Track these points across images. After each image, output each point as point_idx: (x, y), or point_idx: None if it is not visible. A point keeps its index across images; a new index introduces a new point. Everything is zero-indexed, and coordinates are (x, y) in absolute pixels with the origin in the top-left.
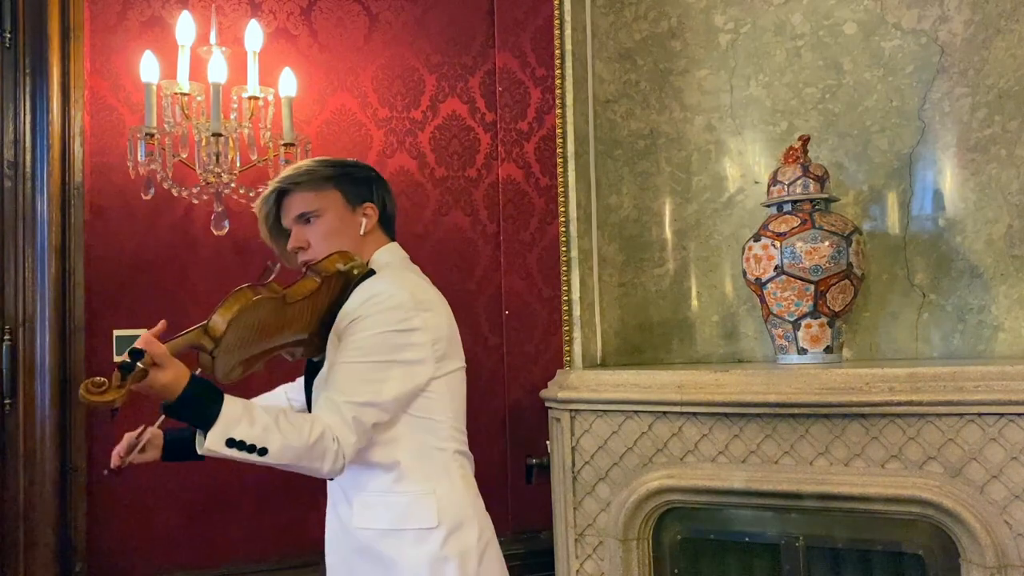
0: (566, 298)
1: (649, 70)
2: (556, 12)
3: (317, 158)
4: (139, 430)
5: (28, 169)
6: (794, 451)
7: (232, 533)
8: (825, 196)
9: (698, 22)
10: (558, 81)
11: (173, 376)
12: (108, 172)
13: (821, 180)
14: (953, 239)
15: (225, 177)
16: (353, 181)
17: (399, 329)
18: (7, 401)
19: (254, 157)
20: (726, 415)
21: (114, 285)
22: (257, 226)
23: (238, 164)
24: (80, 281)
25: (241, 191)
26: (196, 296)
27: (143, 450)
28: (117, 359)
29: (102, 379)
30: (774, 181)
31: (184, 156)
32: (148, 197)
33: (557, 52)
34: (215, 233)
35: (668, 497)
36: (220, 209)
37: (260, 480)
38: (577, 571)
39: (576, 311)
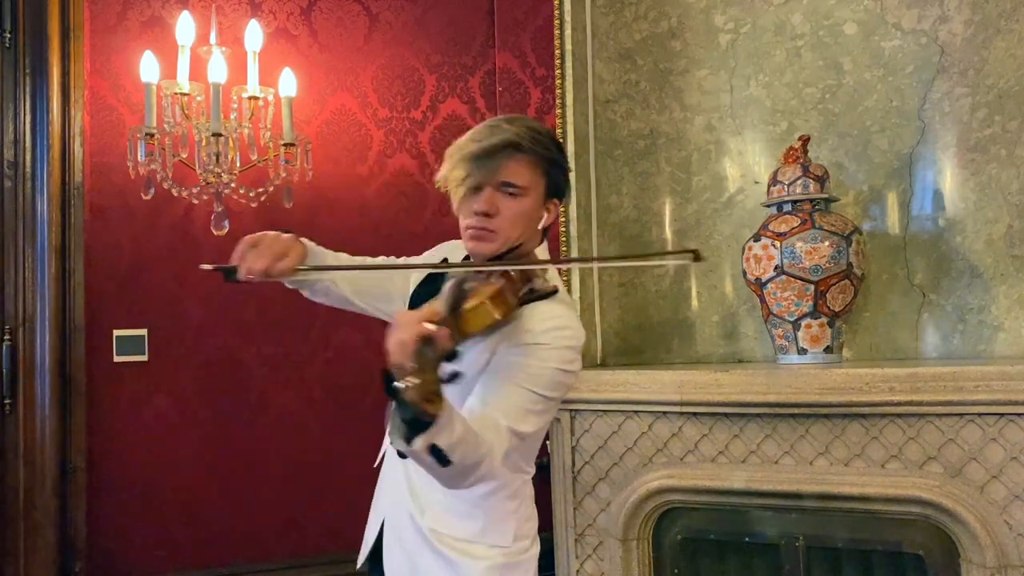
0: None
1: (649, 70)
2: (556, 12)
3: (547, 130)
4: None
5: (28, 169)
6: (794, 451)
7: (232, 533)
8: (825, 196)
9: (698, 22)
10: (558, 81)
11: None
12: (108, 172)
13: (821, 180)
14: (953, 239)
15: (225, 177)
16: (561, 173)
17: (568, 370)
18: (7, 401)
19: (254, 157)
20: (726, 415)
21: (114, 285)
22: (257, 227)
23: (238, 164)
24: (80, 281)
25: (241, 191)
26: (196, 296)
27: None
28: (118, 359)
29: (429, 383)
30: (774, 181)
31: (184, 156)
32: (148, 197)
33: (557, 52)
34: (215, 233)
35: (668, 497)
36: (220, 209)
37: (260, 480)
38: (577, 571)
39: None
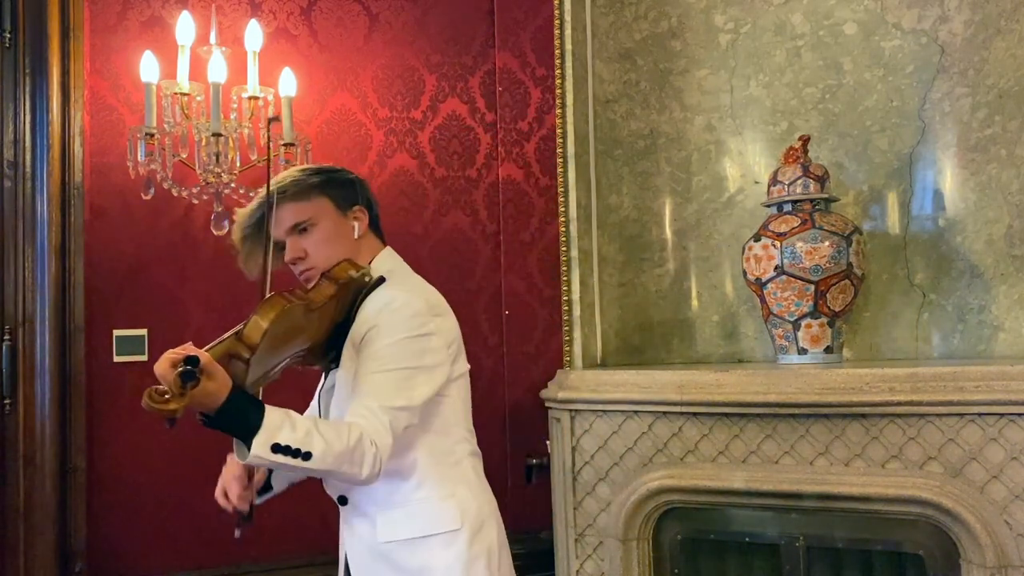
0: (566, 298)
1: (649, 70)
2: (556, 12)
3: (298, 167)
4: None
5: (28, 169)
6: (794, 451)
7: (232, 533)
8: (825, 196)
9: (698, 22)
10: (558, 81)
11: (219, 384)
12: (108, 172)
13: (821, 180)
14: (953, 239)
15: (225, 177)
16: (339, 185)
17: (417, 335)
18: (7, 401)
19: (254, 157)
20: (726, 415)
21: (114, 285)
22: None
23: (238, 164)
24: (80, 281)
25: (241, 191)
26: (196, 296)
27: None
28: (118, 359)
29: (164, 388)
30: (774, 181)
31: (184, 156)
32: (148, 197)
33: (557, 52)
34: (215, 233)
35: (668, 497)
36: (220, 209)
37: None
38: (577, 571)
39: (576, 311)
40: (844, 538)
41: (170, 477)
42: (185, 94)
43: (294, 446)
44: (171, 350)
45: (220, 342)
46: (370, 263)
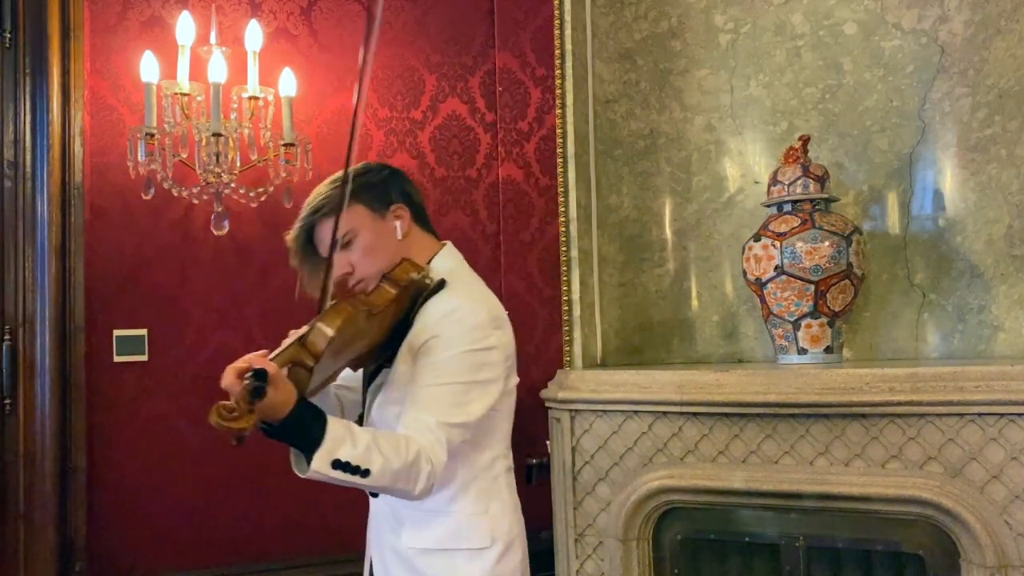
0: (566, 298)
1: (649, 70)
2: (556, 12)
3: (328, 180)
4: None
5: (28, 169)
6: (794, 451)
7: (232, 533)
8: (825, 196)
9: (698, 22)
10: (558, 81)
11: (285, 395)
12: (108, 172)
13: (821, 180)
14: (953, 239)
15: (225, 177)
16: (370, 188)
17: (478, 348)
18: (7, 401)
19: (254, 157)
20: (726, 415)
21: (114, 285)
22: (257, 227)
23: (238, 164)
24: (80, 281)
25: (241, 191)
26: (196, 296)
27: None
28: (118, 359)
29: (232, 404)
30: (774, 181)
31: (184, 156)
32: (148, 197)
33: (557, 52)
34: (215, 233)
35: (668, 497)
36: (220, 209)
37: (260, 480)
38: (577, 571)
39: (576, 311)
40: (844, 538)
41: (170, 477)
42: (185, 94)
43: (354, 463)
44: (239, 360)
45: (284, 350)
46: (429, 262)
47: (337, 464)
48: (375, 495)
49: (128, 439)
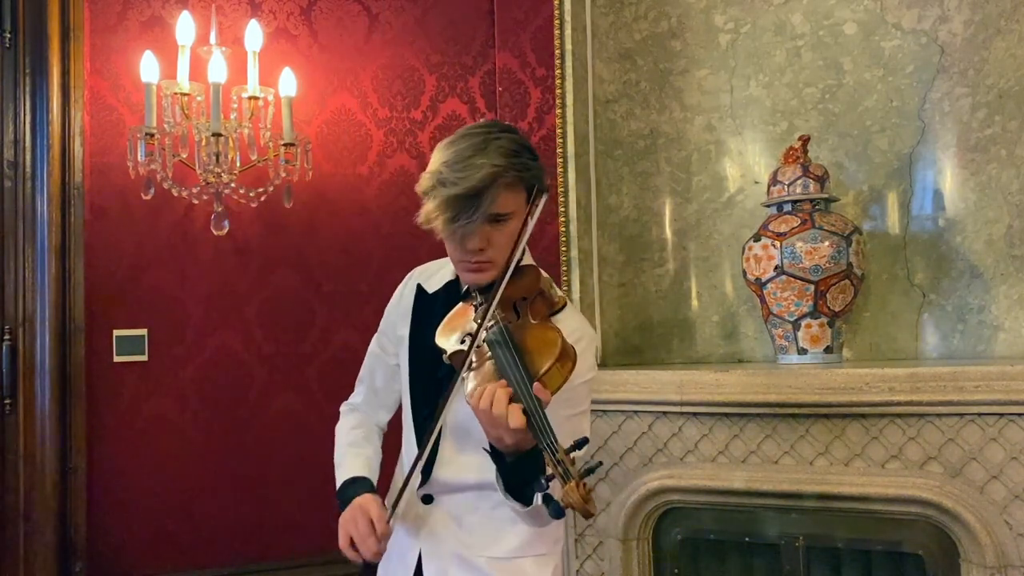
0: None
1: (649, 70)
2: (556, 12)
3: (518, 142)
4: (386, 509)
5: (28, 169)
6: (794, 451)
7: (232, 533)
8: (825, 196)
9: (698, 22)
10: (558, 81)
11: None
12: (108, 172)
13: (821, 180)
14: (953, 239)
15: (225, 177)
16: (536, 175)
17: (592, 377)
18: (7, 401)
19: (254, 157)
20: (726, 415)
21: (114, 285)
22: (257, 227)
23: (238, 164)
24: (80, 281)
25: (241, 191)
26: (196, 296)
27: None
28: (118, 359)
29: (578, 490)
30: (774, 181)
31: (184, 156)
32: (148, 197)
33: (557, 52)
34: (215, 233)
35: (668, 497)
36: (220, 209)
37: (260, 480)
38: (577, 571)
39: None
40: (844, 538)
41: (170, 477)
42: (185, 94)
43: (556, 499)
44: (503, 392)
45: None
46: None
47: (546, 499)
48: (428, 501)
49: (128, 439)
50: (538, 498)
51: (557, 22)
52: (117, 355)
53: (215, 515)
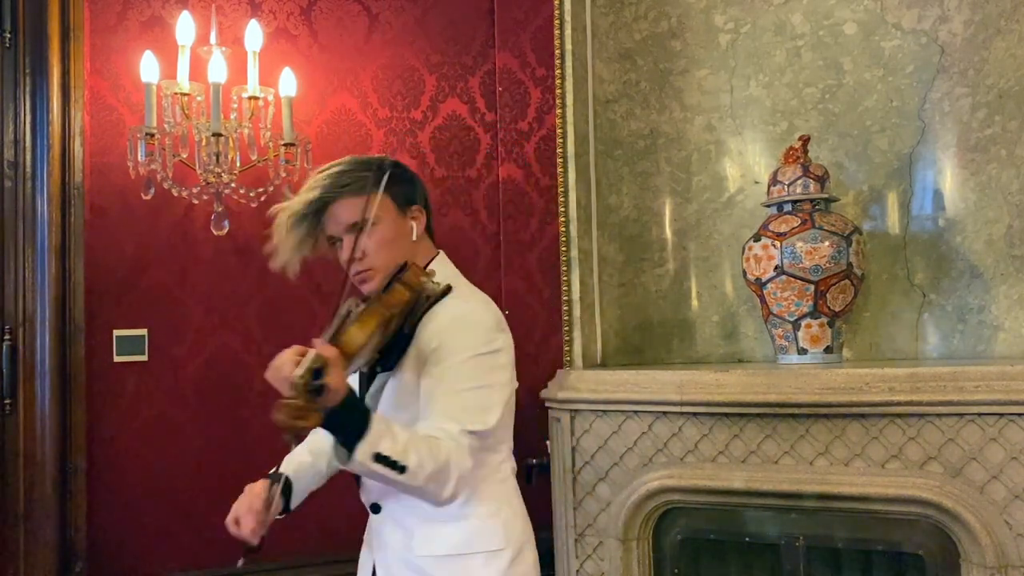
0: (566, 298)
1: (649, 70)
2: (556, 12)
3: (351, 159)
4: (267, 486)
5: (28, 169)
6: (794, 451)
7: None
8: (825, 196)
9: (698, 22)
10: (558, 81)
11: (339, 382)
12: (108, 172)
13: (821, 180)
14: (953, 239)
15: (225, 177)
16: (401, 183)
17: (489, 352)
18: (7, 401)
19: (254, 157)
20: (726, 415)
21: (114, 285)
22: (257, 227)
23: (238, 164)
24: (80, 281)
25: (241, 191)
26: (196, 296)
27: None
28: (118, 359)
29: (299, 403)
30: (774, 181)
31: (184, 156)
32: (148, 197)
33: (557, 52)
34: (215, 233)
35: (668, 497)
36: (220, 209)
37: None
38: (577, 571)
39: (576, 311)
40: (844, 538)
41: (170, 477)
42: (185, 94)
43: (393, 457)
44: (292, 350)
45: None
46: (426, 267)
47: (379, 457)
48: (376, 510)
49: (128, 439)
50: (344, 453)
51: (557, 22)
52: (117, 355)
53: (215, 515)
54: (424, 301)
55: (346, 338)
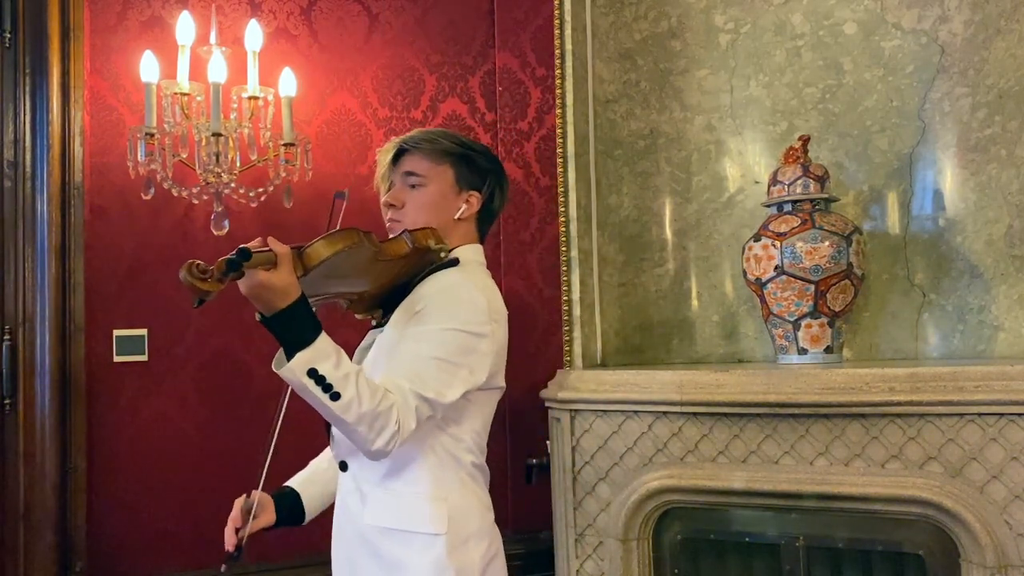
0: (566, 298)
1: (649, 70)
2: (556, 12)
3: (448, 131)
4: (246, 497)
5: (28, 169)
6: (794, 451)
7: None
8: (825, 196)
9: (698, 22)
10: (558, 81)
11: (289, 283)
12: (108, 172)
13: (821, 180)
14: (953, 239)
15: (225, 177)
16: (470, 164)
17: (471, 332)
18: (7, 401)
19: (254, 157)
20: (726, 415)
21: (114, 285)
22: (257, 227)
23: (238, 164)
24: (80, 281)
25: (241, 191)
26: None
27: (256, 515)
28: (118, 359)
29: (206, 265)
30: (774, 181)
31: (184, 156)
32: (148, 197)
33: (557, 52)
34: (215, 233)
35: (668, 497)
36: (220, 209)
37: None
38: (577, 571)
39: (576, 311)
40: (844, 538)
41: (170, 477)
42: (185, 94)
43: (329, 380)
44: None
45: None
46: (454, 248)
47: (313, 373)
48: (344, 468)
49: (128, 439)
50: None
51: (557, 22)
52: (117, 355)
53: (215, 515)
54: (427, 263)
55: (310, 248)
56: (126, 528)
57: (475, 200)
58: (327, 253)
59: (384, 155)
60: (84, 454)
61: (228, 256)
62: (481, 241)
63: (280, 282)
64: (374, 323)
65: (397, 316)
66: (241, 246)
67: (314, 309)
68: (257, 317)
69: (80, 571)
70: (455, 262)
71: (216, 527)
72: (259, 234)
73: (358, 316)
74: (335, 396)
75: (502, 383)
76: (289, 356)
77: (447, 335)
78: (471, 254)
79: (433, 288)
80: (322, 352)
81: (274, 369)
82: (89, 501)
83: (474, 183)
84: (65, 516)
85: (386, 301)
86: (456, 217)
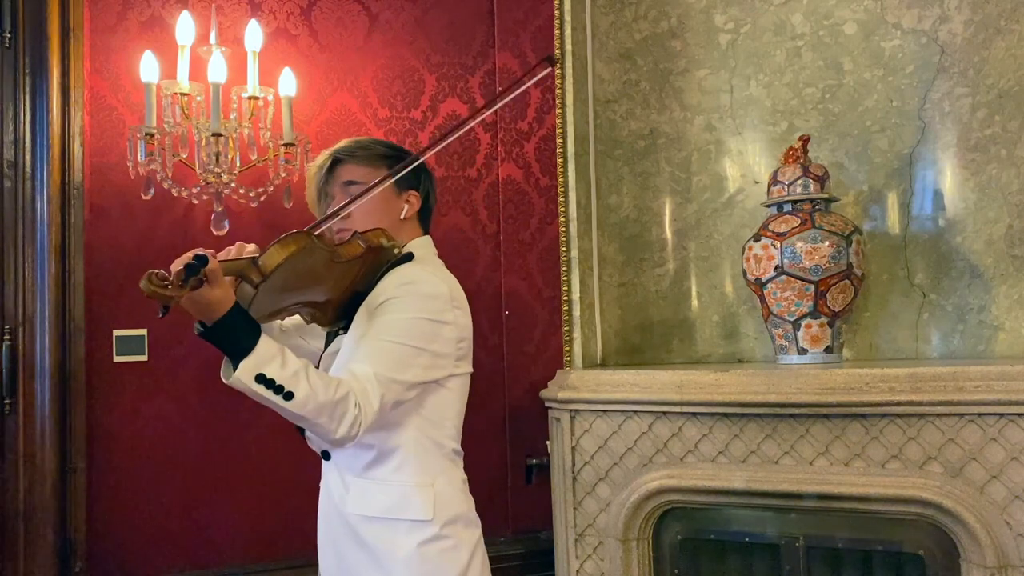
0: (566, 298)
1: (649, 70)
2: (556, 12)
3: (374, 138)
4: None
5: (28, 169)
6: (794, 451)
7: (232, 533)
8: (825, 196)
9: (698, 22)
10: (558, 81)
11: (222, 295)
12: (108, 172)
13: (821, 180)
14: (953, 239)
15: (225, 177)
16: (405, 167)
17: (432, 319)
18: (7, 401)
19: (254, 157)
20: (726, 415)
21: (114, 285)
22: (257, 227)
23: (238, 164)
24: (80, 281)
25: (241, 191)
26: None
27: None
28: (118, 359)
29: (165, 273)
30: (774, 181)
31: (184, 156)
32: (148, 197)
33: (557, 52)
34: (215, 233)
35: (668, 497)
36: (220, 209)
37: (260, 480)
38: (577, 571)
39: (576, 311)
40: (844, 538)
41: (170, 477)
42: (185, 94)
43: (279, 381)
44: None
45: (234, 260)
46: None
47: (261, 378)
48: (327, 457)
49: (128, 439)
50: (229, 370)
51: (557, 22)
52: (117, 355)
53: (215, 515)
54: (383, 262)
55: (265, 255)
56: (126, 528)
57: (415, 199)
58: (281, 257)
59: (316, 170)
60: (84, 454)
61: (185, 263)
62: (426, 233)
63: (214, 293)
64: (340, 332)
65: (360, 315)
66: (197, 251)
67: (278, 319)
68: (195, 331)
69: (80, 571)
70: (410, 257)
71: (216, 527)
72: (260, 234)
73: (324, 328)
74: (288, 396)
75: (470, 368)
76: (235, 366)
77: (411, 323)
78: (423, 247)
79: (393, 282)
80: (265, 355)
81: (223, 380)
82: (89, 501)
83: (411, 183)
84: (65, 516)
85: (348, 310)
86: (401, 217)
